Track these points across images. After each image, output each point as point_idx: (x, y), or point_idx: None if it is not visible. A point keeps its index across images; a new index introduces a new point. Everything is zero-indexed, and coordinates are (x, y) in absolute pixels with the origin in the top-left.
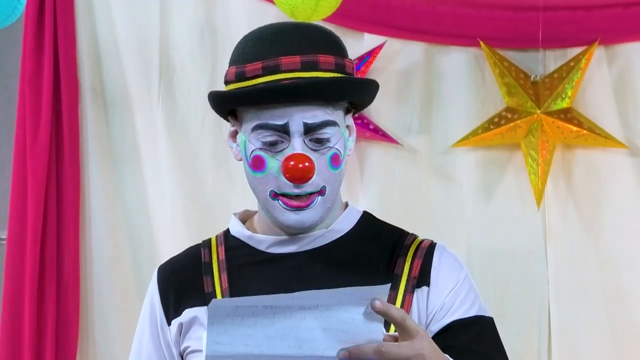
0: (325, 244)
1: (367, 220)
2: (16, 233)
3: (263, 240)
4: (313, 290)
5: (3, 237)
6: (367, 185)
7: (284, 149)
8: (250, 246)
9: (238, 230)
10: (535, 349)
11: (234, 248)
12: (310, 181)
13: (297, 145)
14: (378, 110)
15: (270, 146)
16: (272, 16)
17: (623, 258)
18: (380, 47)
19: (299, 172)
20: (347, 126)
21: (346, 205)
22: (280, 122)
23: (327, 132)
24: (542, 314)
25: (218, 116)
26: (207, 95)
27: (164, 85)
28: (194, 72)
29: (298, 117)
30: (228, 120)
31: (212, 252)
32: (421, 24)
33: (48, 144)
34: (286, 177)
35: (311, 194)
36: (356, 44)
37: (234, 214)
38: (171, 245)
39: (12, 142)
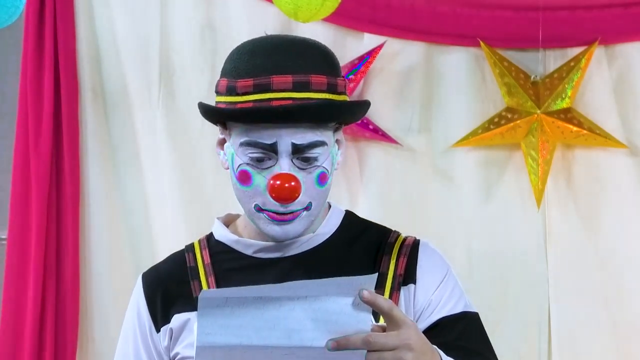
0: (311, 248)
1: (350, 220)
2: (17, 233)
3: (250, 244)
4: (301, 280)
5: (3, 237)
6: (367, 185)
7: (271, 166)
8: (236, 250)
9: (223, 234)
10: (535, 349)
11: (219, 253)
12: (296, 200)
13: (285, 164)
14: (378, 110)
15: (257, 162)
16: (272, 16)
17: (623, 258)
18: (380, 47)
19: (285, 192)
20: (337, 140)
21: (329, 205)
22: (268, 142)
23: (315, 152)
24: (542, 314)
25: None
26: (205, 98)
27: (164, 85)
28: (194, 72)
29: (287, 138)
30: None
31: (196, 256)
32: (421, 24)
33: (50, 144)
34: (272, 197)
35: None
36: (356, 44)
37: (217, 219)
38: (171, 245)
39: (13, 141)
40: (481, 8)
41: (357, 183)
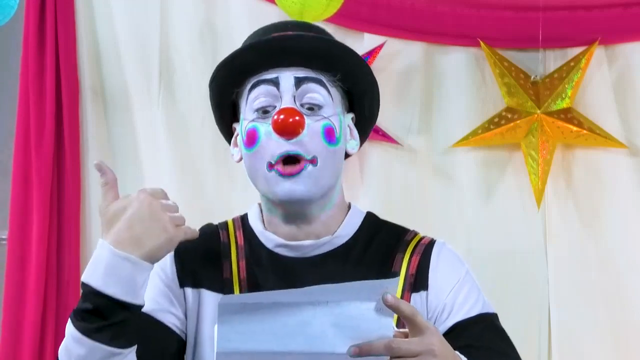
0: (330, 251)
1: (370, 221)
2: (17, 233)
3: (271, 239)
4: (322, 285)
5: (3, 237)
6: (367, 185)
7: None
8: (261, 241)
9: (254, 222)
10: (535, 349)
11: (251, 238)
12: (299, 137)
13: (288, 102)
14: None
15: (264, 114)
16: (272, 16)
17: (623, 258)
18: (380, 47)
19: (289, 126)
20: (348, 126)
21: (349, 206)
22: (270, 76)
23: (318, 93)
24: (542, 314)
25: None
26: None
27: (164, 85)
28: (194, 72)
29: (288, 73)
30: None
31: (229, 235)
32: (421, 24)
33: (53, 144)
34: (276, 131)
35: (301, 159)
36: (356, 44)
37: (258, 204)
38: None
39: (12, 141)
40: (481, 8)
41: (357, 183)
